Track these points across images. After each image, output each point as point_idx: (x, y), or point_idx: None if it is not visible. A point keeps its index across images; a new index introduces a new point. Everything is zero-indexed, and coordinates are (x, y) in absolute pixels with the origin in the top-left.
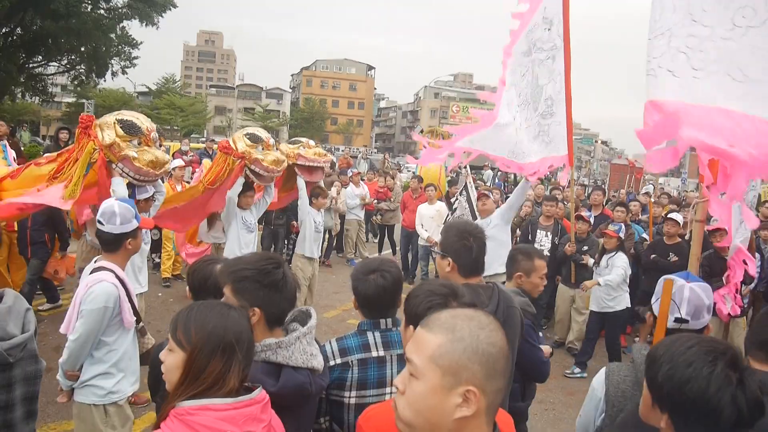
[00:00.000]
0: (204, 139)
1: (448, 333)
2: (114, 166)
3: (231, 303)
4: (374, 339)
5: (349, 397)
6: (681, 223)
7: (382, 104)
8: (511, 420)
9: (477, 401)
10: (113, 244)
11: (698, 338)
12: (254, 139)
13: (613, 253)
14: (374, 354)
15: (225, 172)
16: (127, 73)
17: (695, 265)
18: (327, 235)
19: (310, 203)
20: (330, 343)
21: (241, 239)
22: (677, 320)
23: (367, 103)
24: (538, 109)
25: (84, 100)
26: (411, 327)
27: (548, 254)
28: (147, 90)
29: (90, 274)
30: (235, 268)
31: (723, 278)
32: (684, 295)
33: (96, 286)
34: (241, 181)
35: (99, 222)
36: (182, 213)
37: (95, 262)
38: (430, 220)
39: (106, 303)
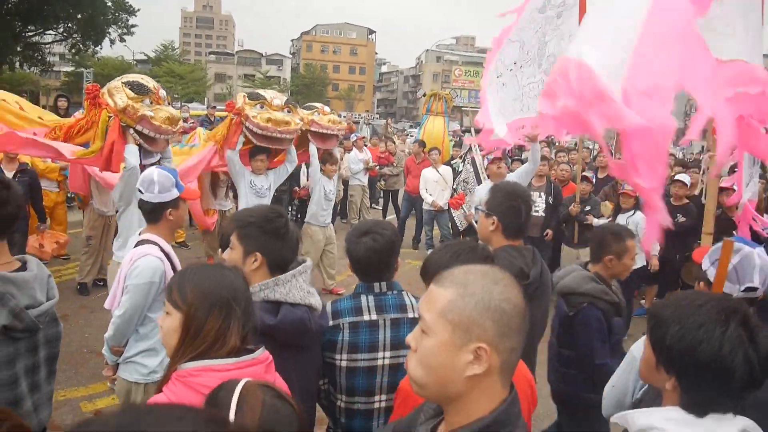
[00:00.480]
0: (205, 107)
1: (459, 288)
2: (130, 130)
3: (236, 249)
4: (367, 302)
5: (340, 360)
6: (688, 185)
7: (384, 69)
8: (533, 381)
9: (488, 359)
10: (153, 214)
11: (706, 296)
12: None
13: (631, 213)
14: (366, 318)
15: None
16: (125, 41)
17: (711, 223)
18: None
19: (321, 170)
20: (325, 305)
21: (249, 204)
22: (748, 289)
23: (368, 68)
24: (542, 66)
25: (83, 69)
26: None
27: (542, 215)
28: (146, 58)
29: (135, 247)
30: (241, 216)
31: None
32: (755, 262)
33: (141, 260)
34: (241, 140)
35: (139, 190)
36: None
37: (139, 234)
38: (434, 184)
39: (152, 278)
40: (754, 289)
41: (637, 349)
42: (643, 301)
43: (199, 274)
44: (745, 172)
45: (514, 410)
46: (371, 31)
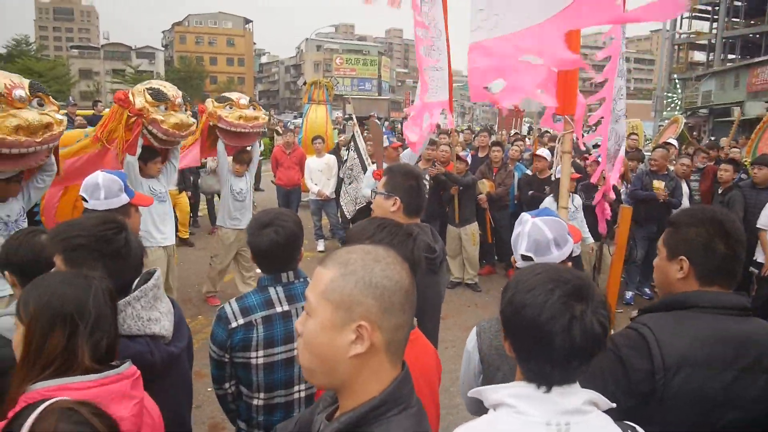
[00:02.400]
0: (65, 104)
1: (340, 267)
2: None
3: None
4: (277, 294)
5: (257, 357)
6: (549, 158)
7: (264, 60)
8: (436, 352)
9: (370, 336)
10: None
11: (549, 267)
12: (157, 97)
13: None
14: (278, 309)
15: (119, 128)
16: None
17: (565, 197)
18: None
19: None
20: (230, 303)
21: (152, 210)
22: (523, 258)
23: (247, 58)
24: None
25: None
26: None
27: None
28: None
29: None
30: (67, 235)
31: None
32: (525, 230)
33: None
34: (139, 143)
35: (83, 198)
36: (71, 171)
37: None
38: (318, 174)
39: None
40: (527, 257)
41: (471, 343)
42: None
43: (46, 285)
44: (610, 142)
45: (406, 388)
46: (248, 21)
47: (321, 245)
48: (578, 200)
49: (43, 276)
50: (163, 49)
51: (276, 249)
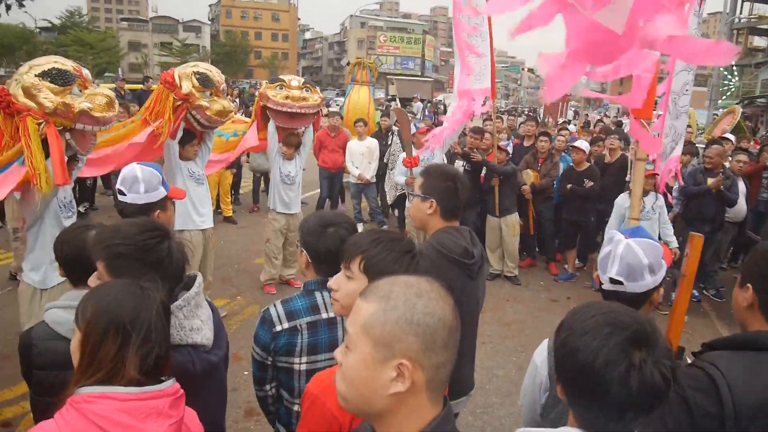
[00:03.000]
0: (114, 77)
1: (382, 301)
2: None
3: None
4: (323, 299)
5: (300, 363)
6: (586, 150)
7: (308, 36)
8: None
9: (411, 375)
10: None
11: (607, 309)
12: (204, 82)
13: (653, 198)
14: (324, 315)
15: (165, 111)
16: (24, 6)
17: (637, 208)
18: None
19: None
20: (275, 306)
21: (191, 193)
22: (612, 281)
23: (291, 34)
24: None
25: None
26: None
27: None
28: (50, 25)
29: None
30: (111, 242)
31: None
32: (617, 251)
33: None
34: (181, 126)
35: (120, 192)
36: (114, 156)
37: None
38: (360, 157)
39: None
40: (617, 281)
41: (540, 357)
42: (566, 266)
43: (103, 294)
44: (667, 140)
45: (447, 427)
46: None
47: (360, 228)
48: (660, 200)
49: (102, 284)
50: (209, 23)
51: (341, 249)
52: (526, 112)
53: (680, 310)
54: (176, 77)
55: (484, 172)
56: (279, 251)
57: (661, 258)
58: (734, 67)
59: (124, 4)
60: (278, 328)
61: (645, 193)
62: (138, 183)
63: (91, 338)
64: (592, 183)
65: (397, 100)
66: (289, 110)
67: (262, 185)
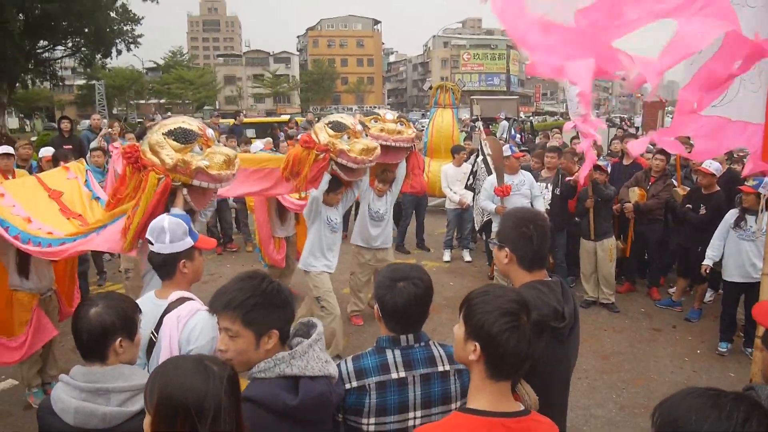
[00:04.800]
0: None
1: None
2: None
3: (244, 336)
4: (394, 358)
5: (368, 424)
6: (717, 173)
7: (392, 59)
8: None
9: None
10: (165, 268)
11: (715, 390)
12: (337, 128)
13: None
14: (394, 375)
15: (305, 167)
16: (131, 50)
17: None
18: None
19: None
20: (345, 362)
21: (323, 241)
22: None
23: (376, 58)
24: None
25: (94, 81)
26: (475, 344)
27: (548, 207)
28: (155, 65)
29: (168, 310)
30: (242, 299)
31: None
32: None
33: (194, 319)
34: (327, 178)
35: (149, 241)
36: (245, 179)
37: (157, 297)
38: (458, 183)
39: (213, 333)
40: None
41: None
42: (671, 290)
43: (170, 373)
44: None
45: None
46: (376, 22)
47: (447, 255)
48: None
49: (167, 363)
50: (298, 53)
51: (414, 304)
52: (620, 123)
53: None
54: (313, 136)
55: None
56: (363, 285)
57: None
58: None
59: (220, 41)
60: (347, 386)
61: (749, 210)
62: (164, 233)
63: (160, 424)
64: (705, 212)
65: (480, 121)
66: (384, 143)
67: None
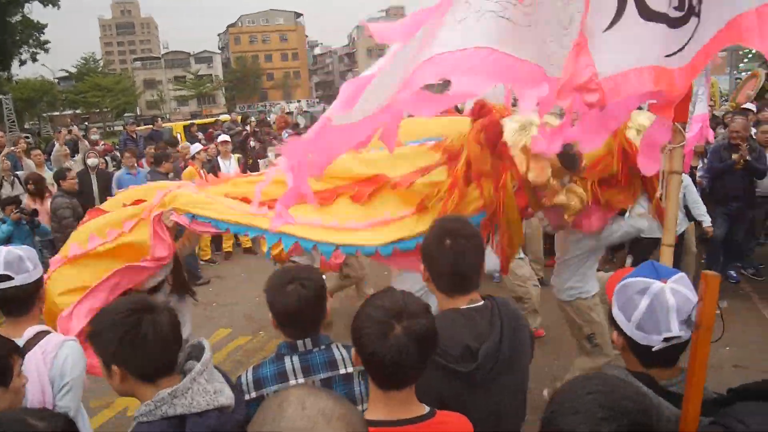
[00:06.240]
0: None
1: None
2: None
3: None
4: (292, 365)
5: None
6: None
7: (317, 51)
8: None
9: None
10: (26, 300)
11: (609, 386)
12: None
13: None
14: (292, 382)
15: None
16: (37, 60)
17: (672, 233)
18: None
19: None
20: (246, 373)
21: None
22: (666, 340)
23: (300, 52)
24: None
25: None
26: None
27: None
28: (68, 74)
29: (29, 344)
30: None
31: None
32: (669, 303)
33: (64, 350)
34: None
35: (7, 276)
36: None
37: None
38: None
39: (84, 360)
40: (677, 338)
41: None
42: None
43: None
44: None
45: None
46: (298, 14)
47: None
48: (686, 179)
49: None
50: (219, 51)
51: (305, 306)
52: None
53: (700, 370)
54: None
55: None
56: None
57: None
58: None
59: (136, 44)
60: (247, 397)
61: None
62: (23, 261)
63: None
64: None
65: None
66: None
67: None
